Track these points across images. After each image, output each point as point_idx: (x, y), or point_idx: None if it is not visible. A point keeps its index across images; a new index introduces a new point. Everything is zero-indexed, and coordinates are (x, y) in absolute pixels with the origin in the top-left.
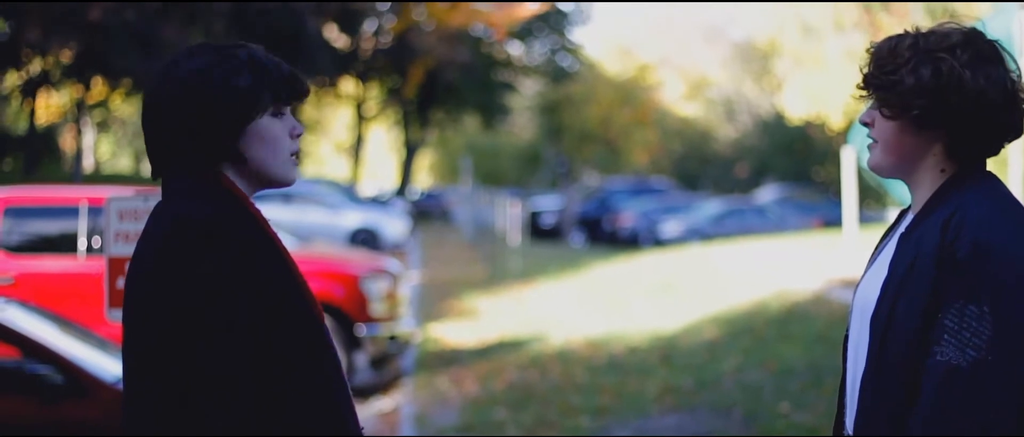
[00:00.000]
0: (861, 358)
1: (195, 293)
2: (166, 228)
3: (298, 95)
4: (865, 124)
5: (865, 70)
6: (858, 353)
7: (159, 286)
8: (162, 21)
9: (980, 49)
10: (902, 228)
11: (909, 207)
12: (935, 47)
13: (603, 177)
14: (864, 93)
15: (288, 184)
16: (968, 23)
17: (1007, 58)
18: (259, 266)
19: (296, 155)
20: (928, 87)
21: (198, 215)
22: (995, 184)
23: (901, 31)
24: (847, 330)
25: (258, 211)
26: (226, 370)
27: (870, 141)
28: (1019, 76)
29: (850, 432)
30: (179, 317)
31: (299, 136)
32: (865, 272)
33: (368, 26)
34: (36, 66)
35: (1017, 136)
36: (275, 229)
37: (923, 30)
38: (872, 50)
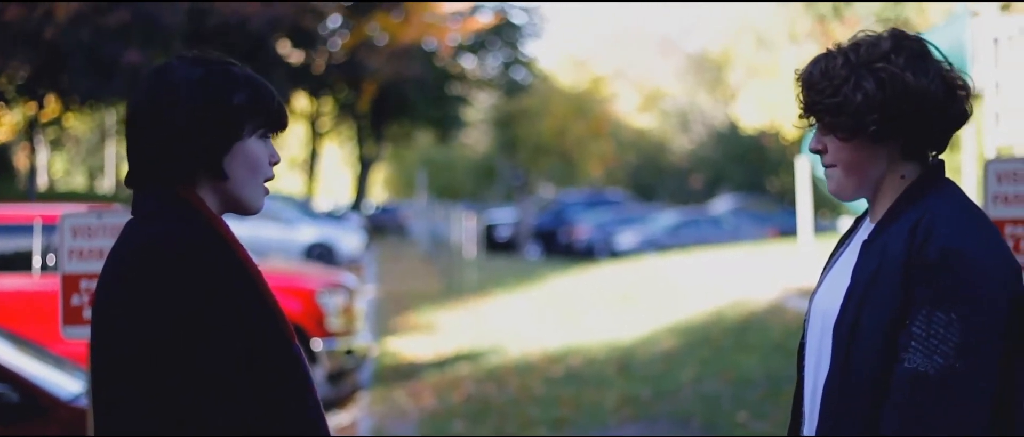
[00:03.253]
0: (822, 367)
1: (164, 316)
2: (135, 250)
3: (283, 125)
4: (816, 151)
5: (801, 97)
6: (819, 362)
7: (127, 311)
8: (119, 40)
9: (911, 48)
10: (862, 235)
11: (865, 214)
12: (869, 58)
13: (558, 189)
14: (808, 121)
15: (254, 211)
16: (920, 32)
17: (933, 49)
18: (228, 288)
19: (268, 181)
20: (877, 100)
21: (167, 238)
22: (955, 190)
23: (823, 50)
24: (803, 339)
25: (229, 232)
26: (195, 394)
27: (826, 168)
28: (950, 65)
29: None
30: (146, 341)
31: (276, 163)
32: (821, 280)
33: (321, 41)
34: None
35: (964, 122)
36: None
37: (843, 45)
38: (801, 76)
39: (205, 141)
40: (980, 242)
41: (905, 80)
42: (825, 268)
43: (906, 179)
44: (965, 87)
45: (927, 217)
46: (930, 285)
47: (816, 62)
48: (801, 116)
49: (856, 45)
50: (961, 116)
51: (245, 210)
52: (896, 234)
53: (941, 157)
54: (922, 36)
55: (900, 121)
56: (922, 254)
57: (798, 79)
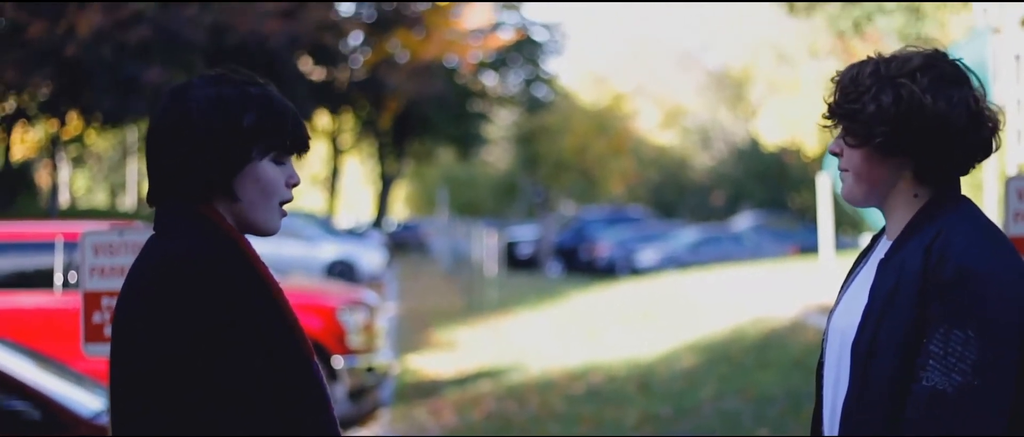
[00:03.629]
0: (841, 385)
1: (183, 332)
2: (156, 265)
3: (303, 148)
4: (834, 154)
5: (829, 100)
6: (838, 380)
7: (147, 325)
8: (141, 58)
9: (942, 71)
10: (880, 254)
11: (882, 232)
12: (896, 73)
13: (579, 206)
14: (829, 123)
15: (270, 233)
16: (941, 49)
17: (971, 78)
18: (248, 305)
19: (285, 204)
20: (889, 113)
21: (187, 253)
22: (971, 208)
23: (843, 66)
24: (822, 357)
25: (250, 247)
26: (213, 409)
27: (840, 171)
28: (983, 94)
29: None
30: (166, 356)
31: (295, 185)
32: (839, 299)
33: (342, 58)
34: (11, 103)
35: (987, 155)
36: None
37: (886, 55)
38: (837, 78)
39: (215, 161)
40: (996, 260)
41: (923, 101)
42: (843, 286)
43: (920, 198)
44: (993, 120)
45: (943, 235)
46: (946, 303)
47: (851, 68)
48: (824, 115)
49: (892, 57)
50: (983, 147)
51: (259, 232)
52: (912, 252)
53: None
54: (960, 61)
55: (909, 139)
56: (938, 272)
57: (834, 80)
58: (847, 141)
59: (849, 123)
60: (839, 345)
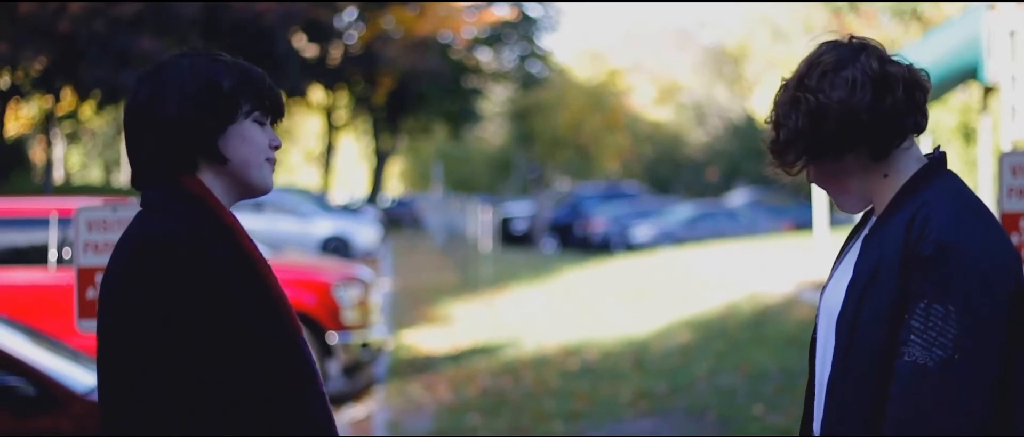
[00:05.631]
0: (828, 360)
1: (166, 309)
2: (136, 243)
3: (277, 112)
4: (813, 182)
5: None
6: (825, 355)
7: (131, 303)
8: (134, 32)
9: (823, 64)
10: (866, 231)
11: (873, 209)
12: (794, 88)
13: (574, 182)
14: (779, 162)
15: (265, 191)
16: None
17: (866, 49)
18: (230, 281)
19: (272, 163)
20: (799, 129)
21: (167, 231)
22: (954, 181)
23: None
24: (814, 332)
25: (235, 222)
26: (199, 384)
27: (825, 190)
28: (883, 55)
29: (817, 433)
30: (150, 333)
31: (277, 148)
32: (831, 275)
33: (337, 34)
34: (5, 78)
35: (911, 106)
36: (253, 240)
37: (789, 76)
38: (768, 118)
39: (199, 126)
40: (977, 234)
41: (819, 101)
42: (835, 263)
43: (890, 177)
44: (902, 69)
45: (923, 211)
46: (927, 278)
47: (773, 109)
48: (769, 159)
49: (791, 77)
50: (910, 102)
51: (255, 190)
52: (894, 228)
53: (944, 149)
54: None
55: (832, 137)
56: (918, 248)
57: (766, 121)
58: (804, 165)
59: (789, 153)
60: (827, 321)
